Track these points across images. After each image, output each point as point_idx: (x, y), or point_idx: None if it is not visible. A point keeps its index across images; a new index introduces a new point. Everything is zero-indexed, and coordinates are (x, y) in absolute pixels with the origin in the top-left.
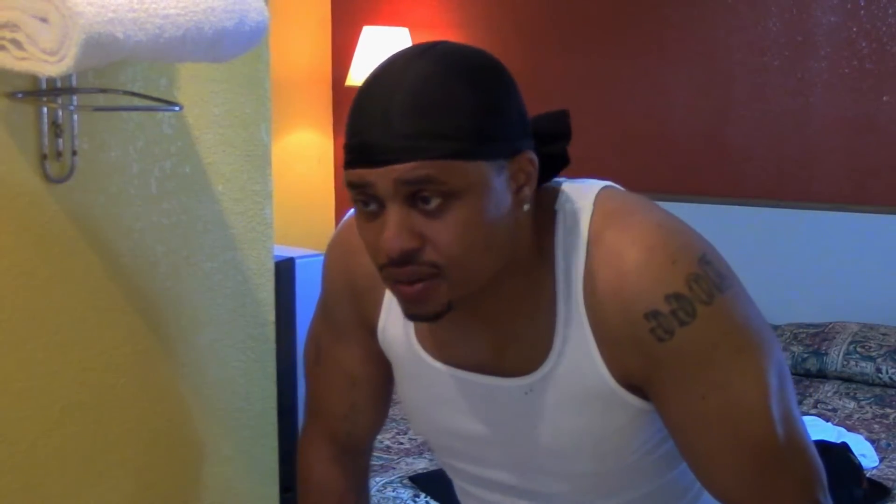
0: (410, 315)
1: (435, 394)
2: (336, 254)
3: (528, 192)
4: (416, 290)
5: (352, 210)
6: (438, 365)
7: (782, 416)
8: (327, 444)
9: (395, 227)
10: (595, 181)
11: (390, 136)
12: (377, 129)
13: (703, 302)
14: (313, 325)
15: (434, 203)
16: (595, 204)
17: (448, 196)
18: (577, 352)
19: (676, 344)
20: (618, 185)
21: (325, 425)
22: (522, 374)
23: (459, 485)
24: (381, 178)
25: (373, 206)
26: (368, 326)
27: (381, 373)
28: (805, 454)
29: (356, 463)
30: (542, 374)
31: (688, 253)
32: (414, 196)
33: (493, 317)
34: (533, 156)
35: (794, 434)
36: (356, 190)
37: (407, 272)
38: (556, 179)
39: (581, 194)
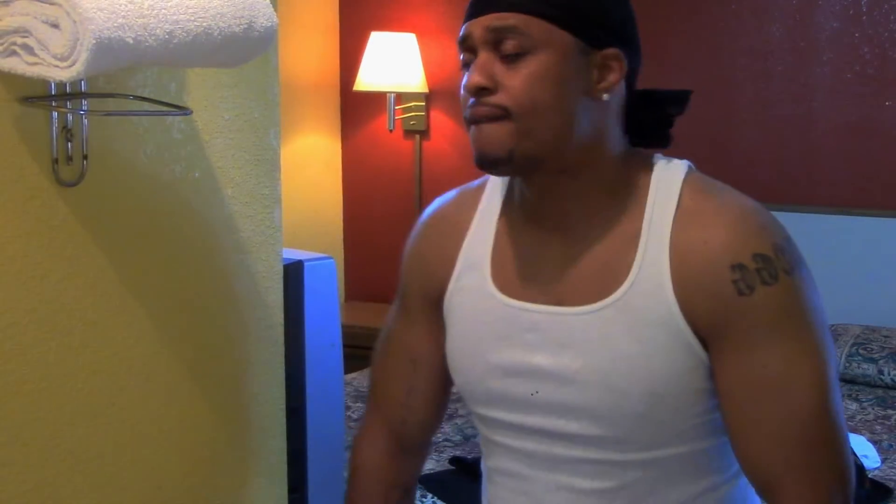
0: (480, 156)
1: (498, 330)
2: (412, 239)
3: (610, 81)
4: (485, 126)
5: (427, 208)
6: (509, 300)
7: (834, 405)
8: (383, 436)
9: (477, 67)
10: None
11: None
12: None
13: (785, 271)
14: (386, 319)
15: (512, 51)
16: (687, 170)
17: (526, 49)
18: (651, 284)
19: (755, 301)
20: None
21: (382, 414)
22: (592, 303)
23: (489, 437)
24: (477, 26)
25: (470, 57)
26: (435, 297)
27: (442, 357)
28: (846, 449)
29: (408, 460)
30: (613, 300)
31: (776, 227)
32: (498, 44)
33: (578, 236)
34: (622, 55)
35: (840, 427)
36: (462, 46)
37: (481, 109)
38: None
39: (674, 160)
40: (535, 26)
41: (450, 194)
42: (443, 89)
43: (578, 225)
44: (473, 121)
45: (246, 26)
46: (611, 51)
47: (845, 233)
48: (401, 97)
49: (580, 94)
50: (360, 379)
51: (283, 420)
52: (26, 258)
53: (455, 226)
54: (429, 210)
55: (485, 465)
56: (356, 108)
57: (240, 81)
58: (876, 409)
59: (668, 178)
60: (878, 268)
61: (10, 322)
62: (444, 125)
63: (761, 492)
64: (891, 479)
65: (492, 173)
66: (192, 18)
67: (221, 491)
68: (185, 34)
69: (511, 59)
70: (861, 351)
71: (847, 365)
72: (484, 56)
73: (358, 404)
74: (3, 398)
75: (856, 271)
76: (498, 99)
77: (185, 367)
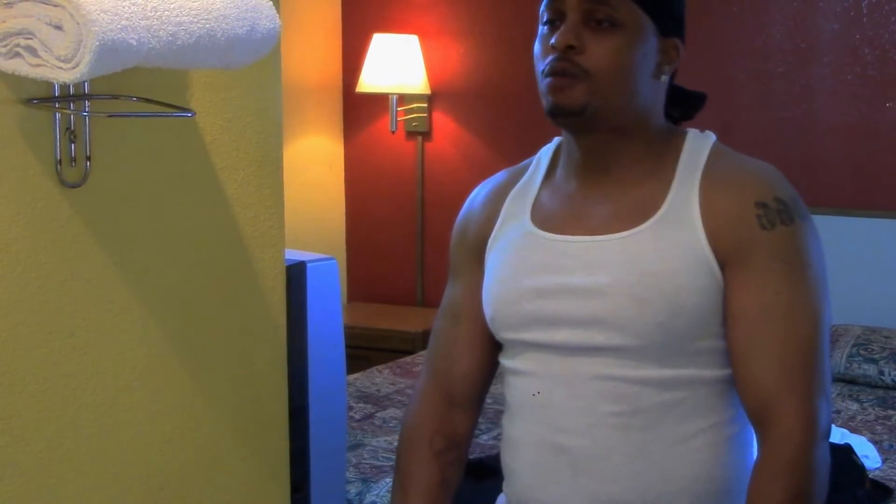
0: (554, 106)
1: (537, 259)
2: (461, 212)
3: (666, 69)
4: (563, 80)
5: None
6: (548, 234)
7: (826, 345)
8: (431, 389)
9: (568, 29)
10: None
11: None
12: None
13: (800, 217)
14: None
15: (603, 23)
16: (716, 139)
17: (614, 24)
18: (681, 215)
19: (774, 236)
20: None
21: (431, 369)
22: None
23: (515, 368)
24: None
25: (556, 21)
26: (477, 250)
27: (482, 306)
28: (829, 381)
29: (455, 413)
30: (645, 227)
31: (790, 186)
32: (589, 15)
33: (617, 183)
34: (681, 46)
35: (827, 363)
36: (550, 5)
37: (563, 65)
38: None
39: (706, 132)
40: (625, 5)
41: (498, 173)
42: (445, 91)
43: (618, 175)
44: (552, 73)
45: (249, 28)
46: (674, 40)
47: (845, 233)
48: (403, 99)
49: (647, 72)
50: (363, 379)
51: (286, 420)
52: (30, 259)
53: (500, 192)
54: (479, 186)
55: (507, 404)
56: (358, 110)
57: (242, 83)
58: (876, 409)
59: (699, 142)
60: (878, 268)
61: (13, 322)
62: (446, 127)
63: (754, 411)
64: (891, 480)
65: (559, 123)
66: (196, 20)
67: (224, 491)
68: (188, 36)
69: (600, 28)
70: (862, 351)
71: (848, 365)
72: (574, 22)
73: (360, 404)
74: (5, 398)
75: (856, 271)
76: (581, 59)
77: (187, 367)
